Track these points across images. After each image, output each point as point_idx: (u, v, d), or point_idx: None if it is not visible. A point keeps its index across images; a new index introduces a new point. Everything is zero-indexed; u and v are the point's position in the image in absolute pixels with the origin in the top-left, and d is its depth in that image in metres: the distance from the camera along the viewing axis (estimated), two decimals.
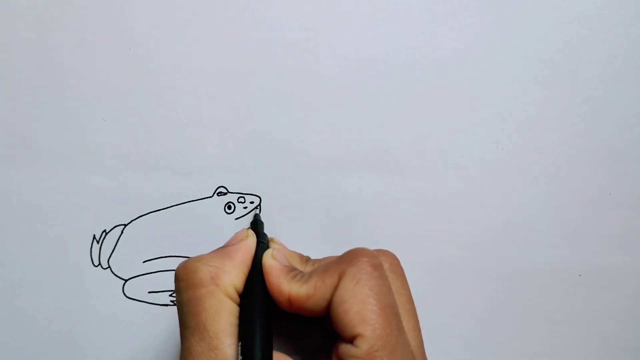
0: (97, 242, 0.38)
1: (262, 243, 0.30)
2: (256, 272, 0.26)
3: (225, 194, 0.38)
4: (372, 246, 0.38)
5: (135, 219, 0.38)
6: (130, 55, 0.36)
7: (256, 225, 0.35)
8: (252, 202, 0.38)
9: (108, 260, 0.39)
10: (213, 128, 0.37)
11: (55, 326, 0.39)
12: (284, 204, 0.38)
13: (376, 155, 0.38)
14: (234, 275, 0.26)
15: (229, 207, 0.38)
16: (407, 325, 0.25)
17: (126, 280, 0.39)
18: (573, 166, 0.38)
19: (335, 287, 0.23)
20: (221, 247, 0.28)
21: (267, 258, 0.27)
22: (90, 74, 0.36)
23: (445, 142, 0.38)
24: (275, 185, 0.38)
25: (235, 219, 0.38)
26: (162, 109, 0.37)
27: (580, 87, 0.37)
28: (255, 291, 0.26)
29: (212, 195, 0.38)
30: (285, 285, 0.25)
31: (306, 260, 0.30)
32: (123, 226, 0.38)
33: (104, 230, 0.38)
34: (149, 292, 0.39)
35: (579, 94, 0.37)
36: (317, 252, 0.38)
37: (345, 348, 0.22)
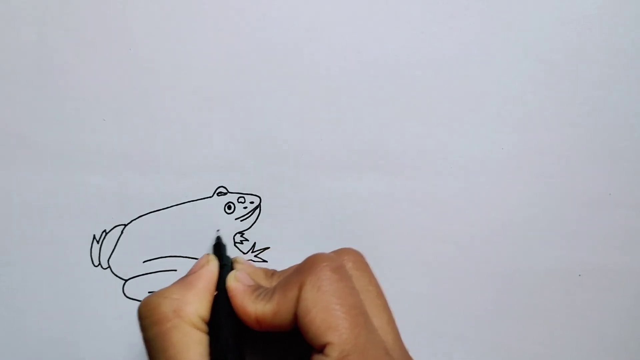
0: (97, 242, 0.38)
1: (226, 265, 0.29)
2: (222, 297, 0.26)
3: (225, 194, 0.38)
4: (372, 246, 0.38)
5: (135, 219, 0.38)
6: (130, 55, 0.36)
7: (219, 248, 0.34)
8: (252, 202, 0.38)
9: (108, 260, 0.39)
10: (213, 128, 0.37)
11: (55, 326, 0.39)
12: (284, 204, 0.38)
13: (376, 155, 0.38)
14: (197, 305, 0.25)
15: (229, 207, 0.38)
16: (378, 321, 0.25)
17: (126, 280, 0.39)
18: (573, 166, 0.38)
19: (298, 299, 0.23)
20: (183, 277, 0.27)
21: (230, 281, 0.26)
22: (90, 74, 0.36)
23: (445, 142, 0.38)
24: (275, 185, 0.38)
25: (235, 219, 0.38)
26: (162, 109, 0.37)
27: (580, 87, 0.37)
28: (222, 316, 0.25)
29: (212, 195, 0.38)
30: (250, 306, 0.25)
31: (271, 274, 0.29)
32: (123, 226, 0.38)
33: (104, 230, 0.38)
34: (149, 292, 0.39)
35: (579, 94, 0.37)
36: (317, 252, 0.38)
37: (317, 358, 0.22)
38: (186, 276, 0.27)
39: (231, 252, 0.39)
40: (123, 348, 0.39)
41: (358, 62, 0.37)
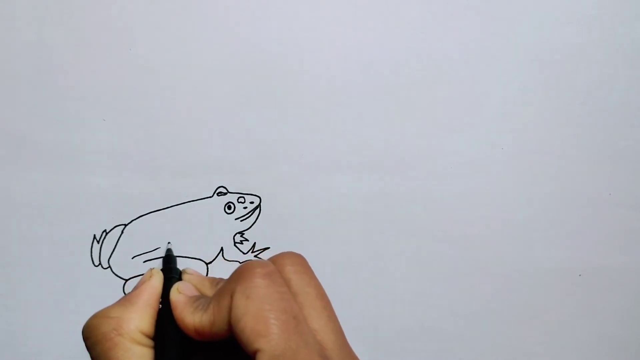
0: (98, 242, 0.38)
1: (174, 278, 0.29)
2: (166, 309, 0.26)
3: (225, 194, 0.38)
4: (372, 246, 0.38)
5: (135, 219, 0.38)
6: (130, 55, 0.36)
7: (169, 261, 0.34)
8: (252, 202, 0.38)
9: (108, 260, 0.39)
10: (213, 128, 0.37)
11: (56, 326, 0.39)
12: (284, 204, 0.38)
13: (376, 155, 0.38)
14: (137, 321, 0.25)
15: (229, 207, 0.38)
16: (317, 323, 0.24)
17: (126, 280, 0.39)
18: (573, 166, 0.38)
19: (230, 307, 0.23)
20: (124, 295, 0.28)
21: (173, 293, 0.27)
22: (90, 74, 0.36)
23: (445, 142, 0.38)
24: (275, 185, 0.38)
25: (235, 219, 0.38)
26: (162, 109, 0.37)
27: (580, 87, 0.37)
28: (167, 329, 0.25)
29: (212, 195, 0.38)
30: (189, 317, 0.25)
31: (217, 283, 0.29)
32: (123, 226, 0.38)
33: (104, 230, 0.38)
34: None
35: (579, 94, 0.37)
36: (317, 252, 0.38)
37: None
38: (128, 293, 0.28)
39: (232, 252, 0.39)
40: None
41: (358, 62, 0.37)
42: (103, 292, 0.39)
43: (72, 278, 0.39)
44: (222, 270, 0.39)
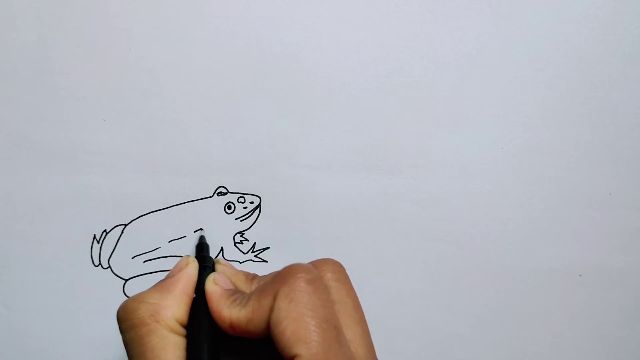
0: (98, 242, 0.38)
1: (207, 267, 0.29)
2: (200, 300, 0.26)
3: (225, 194, 0.38)
4: (372, 246, 0.38)
5: (135, 219, 0.38)
6: (130, 55, 0.36)
7: (201, 248, 0.34)
8: (252, 202, 0.38)
9: (108, 260, 0.39)
10: (213, 128, 0.37)
11: (56, 326, 0.39)
12: (284, 204, 0.38)
13: (376, 155, 0.38)
14: (174, 309, 0.25)
15: (229, 207, 0.38)
16: (352, 334, 0.25)
17: (126, 280, 0.39)
18: (573, 166, 0.38)
19: (271, 308, 0.23)
20: (161, 280, 0.28)
21: (209, 284, 0.27)
22: (90, 74, 0.36)
23: (445, 142, 0.38)
24: (275, 185, 0.38)
25: (235, 219, 0.38)
26: (162, 109, 0.37)
27: (580, 87, 0.37)
28: (200, 319, 0.25)
29: (212, 195, 0.38)
30: (225, 311, 0.25)
31: (252, 278, 0.29)
32: (123, 226, 0.38)
33: (104, 230, 0.38)
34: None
35: (579, 94, 0.37)
36: (317, 252, 0.38)
37: None
38: (164, 279, 0.28)
39: (232, 252, 0.39)
40: (123, 348, 0.39)
41: (358, 62, 0.37)
42: (103, 292, 0.39)
43: (72, 278, 0.39)
44: None
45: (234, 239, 0.39)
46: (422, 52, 0.37)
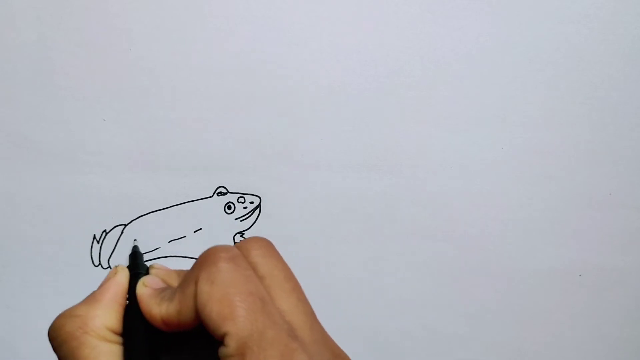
0: (98, 242, 0.38)
1: (141, 274, 0.29)
2: (134, 305, 0.26)
3: (225, 194, 0.38)
4: (372, 246, 0.38)
5: (135, 219, 0.38)
6: (130, 55, 0.36)
7: (135, 257, 0.34)
8: (252, 202, 0.38)
9: (108, 260, 0.39)
10: (213, 128, 0.37)
11: None
12: (284, 204, 0.38)
13: (376, 155, 0.38)
14: (104, 318, 0.25)
15: (229, 207, 0.38)
16: (286, 304, 0.24)
17: None
18: (573, 166, 0.38)
19: (195, 294, 0.23)
20: (90, 294, 0.28)
21: (139, 287, 0.27)
22: (90, 74, 0.36)
23: (445, 142, 0.38)
24: (275, 185, 0.38)
25: (235, 219, 0.38)
26: (162, 109, 0.37)
27: (580, 87, 0.37)
28: (136, 324, 0.25)
29: (212, 195, 0.38)
30: (155, 309, 0.25)
31: (184, 274, 0.29)
32: (123, 226, 0.38)
33: (104, 230, 0.38)
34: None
35: (579, 94, 0.37)
36: (317, 252, 0.38)
37: (221, 351, 0.22)
38: (93, 291, 0.28)
39: None
40: None
41: (358, 62, 0.37)
42: None
43: (72, 278, 0.39)
44: None
45: (233, 239, 0.39)
46: (422, 52, 0.37)
